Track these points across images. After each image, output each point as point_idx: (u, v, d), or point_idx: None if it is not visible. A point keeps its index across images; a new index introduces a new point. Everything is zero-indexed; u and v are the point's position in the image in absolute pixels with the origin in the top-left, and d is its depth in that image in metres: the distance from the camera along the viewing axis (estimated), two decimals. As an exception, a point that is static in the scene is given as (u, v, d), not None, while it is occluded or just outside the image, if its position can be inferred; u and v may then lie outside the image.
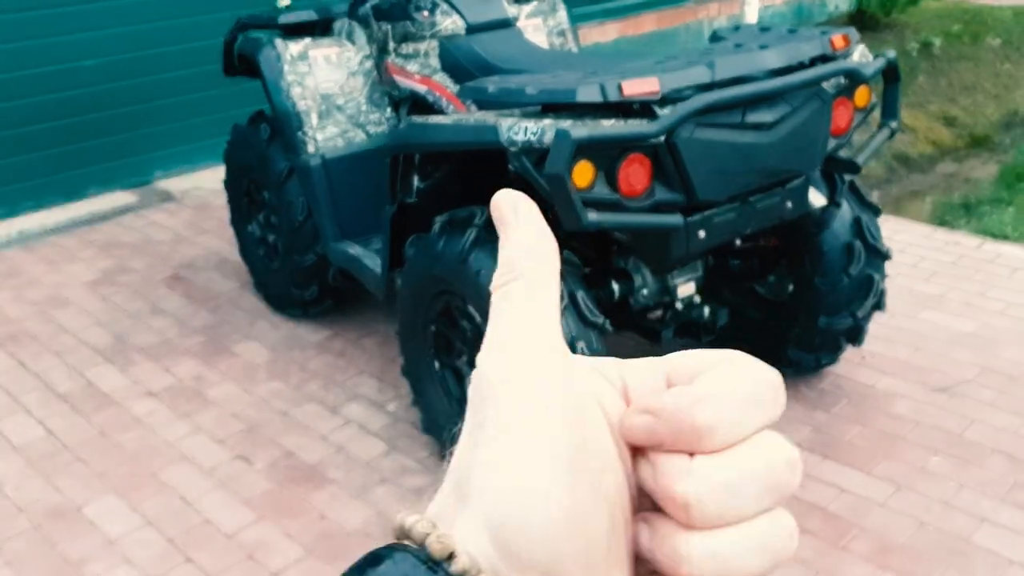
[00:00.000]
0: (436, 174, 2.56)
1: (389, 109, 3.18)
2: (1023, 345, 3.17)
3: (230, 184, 3.64)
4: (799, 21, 7.91)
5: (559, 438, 0.34)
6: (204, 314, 3.55)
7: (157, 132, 4.89)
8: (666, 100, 2.02)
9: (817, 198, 2.58)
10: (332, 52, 3.13)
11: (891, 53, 2.35)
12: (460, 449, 0.36)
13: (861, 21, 7.47)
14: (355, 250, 3.06)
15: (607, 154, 2.00)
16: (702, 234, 2.23)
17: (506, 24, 2.97)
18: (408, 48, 2.99)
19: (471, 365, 2.46)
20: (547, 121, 2.00)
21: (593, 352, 2.18)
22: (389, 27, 3.03)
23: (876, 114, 2.55)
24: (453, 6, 2.91)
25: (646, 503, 0.37)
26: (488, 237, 2.25)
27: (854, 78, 2.29)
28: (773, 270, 2.87)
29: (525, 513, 0.33)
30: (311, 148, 3.06)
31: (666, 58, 2.25)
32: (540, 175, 1.99)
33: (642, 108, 2.02)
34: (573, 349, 2.15)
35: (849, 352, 2.98)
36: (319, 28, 3.30)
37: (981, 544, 2.29)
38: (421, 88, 2.97)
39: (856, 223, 2.64)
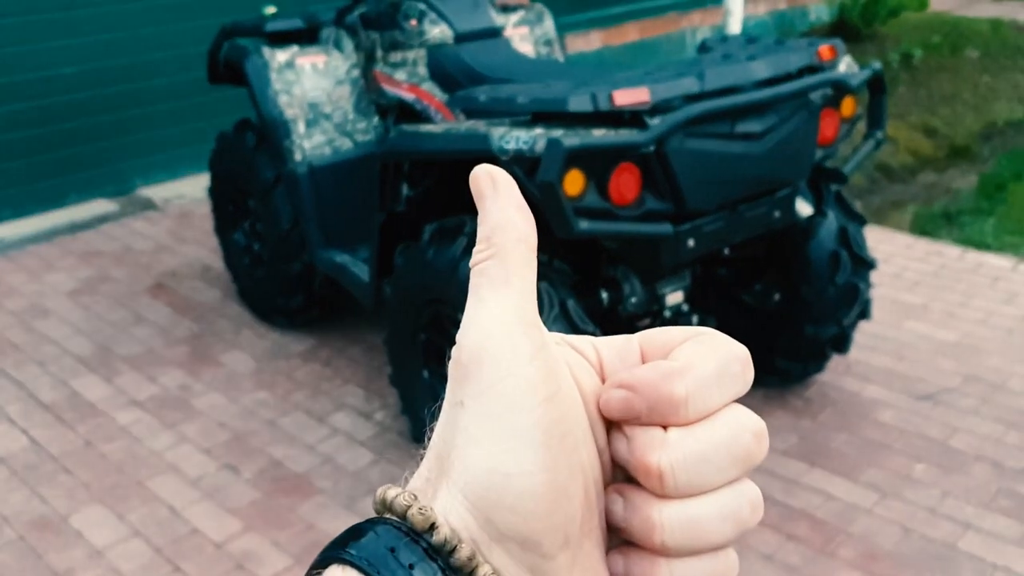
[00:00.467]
0: (425, 183, 2.56)
1: (376, 118, 3.18)
2: (1005, 354, 3.21)
3: (215, 192, 3.62)
4: (781, 31, 7.99)
5: (538, 414, 0.35)
6: (188, 323, 3.53)
7: (138, 140, 4.86)
8: (656, 110, 2.04)
9: (804, 208, 2.61)
10: (319, 60, 3.12)
11: (877, 64, 2.38)
12: (440, 425, 0.36)
13: (842, 32, 7.56)
14: (342, 259, 3.05)
15: (598, 163, 2.01)
16: (691, 243, 2.24)
17: (494, 33, 2.98)
18: (396, 56, 2.99)
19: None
20: (538, 130, 2.01)
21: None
22: (377, 35, 3.03)
23: (861, 125, 2.58)
24: (441, 15, 2.92)
25: (618, 475, 0.38)
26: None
27: (841, 89, 2.32)
28: (760, 279, 2.89)
29: (505, 487, 0.34)
30: (298, 156, 3.05)
31: (656, 68, 2.27)
32: (532, 183, 1.99)
33: (632, 118, 2.03)
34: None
35: (835, 360, 3.00)
36: (306, 36, 3.29)
37: (966, 550, 2.31)
38: (409, 96, 2.98)
39: (842, 233, 2.67)
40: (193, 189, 4.89)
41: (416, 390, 2.60)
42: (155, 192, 4.87)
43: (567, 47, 3.60)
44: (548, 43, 3.37)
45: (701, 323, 2.65)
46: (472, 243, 2.23)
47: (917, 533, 2.37)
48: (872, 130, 2.48)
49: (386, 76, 3.04)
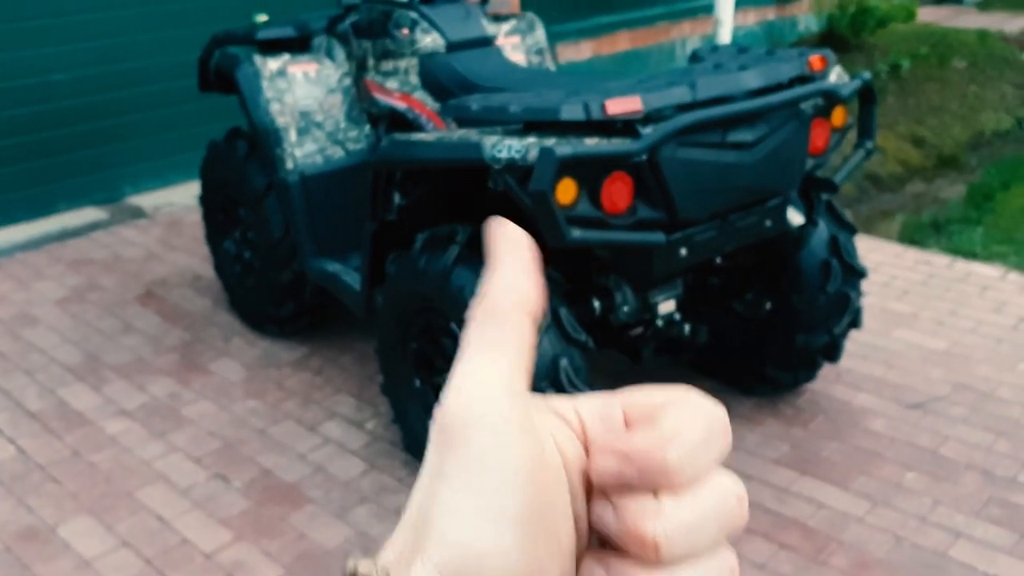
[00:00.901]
0: (417, 191, 2.55)
1: (368, 126, 3.17)
2: (995, 363, 3.23)
3: (206, 200, 3.61)
4: (770, 41, 8.03)
5: (523, 492, 0.34)
6: (178, 332, 3.51)
7: (128, 148, 4.85)
8: (648, 119, 2.04)
9: (795, 217, 2.61)
10: (311, 69, 3.12)
11: (867, 74, 2.40)
12: (419, 493, 0.35)
13: (831, 42, 7.60)
14: (334, 267, 3.04)
15: (590, 172, 2.01)
16: (683, 252, 2.24)
17: (486, 42, 2.99)
18: (388, 65, 2.99)
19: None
20: (531, 139, 2.01)
21: (576, 369, 2.18)
22: (369, 44, 3.04)
23: (850, 134, 2.59)
24: (433, 24, 2.92)
25: (593, 540, 0.37)
26: (470, 254, 2.25)
27: (831, 99, 2.33)
28: (751, 288, 2.89)
29: (481, 565, 0.33)
30: (289, 165, 3.05)
31: (648, 78, 2.28)
32: (524, 192, 1.99)
33: (625, 127, 2.04)
34: (556, 366, 2.15)
35: (825, 369, 3.01)
36: (297, 45, 3.29)
37: (956, 559, 2.31)
38: (401, 105, 2.98)
39: (833, 242, 2.68)
40: (183, 197, 4.87)
41: (407, 399, 2.59)
42: (145, 200, 4.85)
43: (558, 56, 3.61)
44: (539, 52, 3.38)
45: (693, 331, 2.66)
46: (463, 252, 2.24)
47: (908, 541, 2.37)
48: (862, 140, 2.49)
49: (378, 85, 3.04)
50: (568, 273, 2.42)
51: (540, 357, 2.14)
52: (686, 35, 7.36)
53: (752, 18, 7.86)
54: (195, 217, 4.51)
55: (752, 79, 2.18)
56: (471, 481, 0.34)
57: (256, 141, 3.11)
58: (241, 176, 3.23)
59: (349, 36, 3.12)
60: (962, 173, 6.83)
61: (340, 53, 3.16)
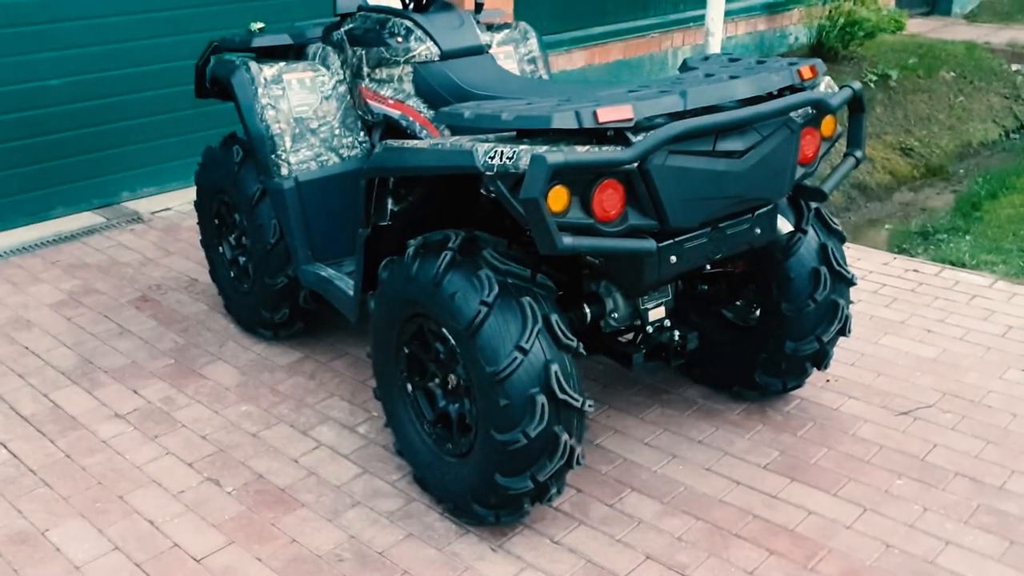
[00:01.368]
0: (410, 197, 2.57)
1: (362, 133, 3.20)
2: (983, 370, 3.26)
3: (200, 206, 3.62)
4: (761, 52, 8.09)
5: None
6: (172, 336, 3.52)
7: (125, 152, 4.86)
8: (639, 127, 2.06)
9: (784, 225, 2.64)
10: (306, 76, 3.14)
11: (857, 84, 2.42)
12: None
13: (820, 53, 7.66)
14: (327, 273, 3.06)
15: (582, 179, 2.03)
16: (674, 259, 2.27)
17: (479, 51, 3.01)
18: (382, 73, 3.01)
19: (444, 387, 2.47)
20: (523, 146, 2.03)
21: (567, 375, 2.20)
22: (363, 52, 3.06)
23: (840, 144, 2.62)
24: (427, 32, 2.94)
25: None
26: (462, 260, 2.27)
27: (821, 108, 2.36)
28: (740, 295, 2.92)
29: None
30: (284, 171, 3.07)
31: (639, 86, 2.30)
32: (515, 199, 2.01)
33: (616, 135, 2.06)
34: (547, 372, 2.17)
35: (814, 376, 3.03)
36: (293, 52, 3.31)
37: (945, 566, 2.33)
38: (395, 113, 3.00)
39: (822, 250, 2.70)
40: (179, 202, 4.89)
41: (400, 404, 2.60)
42: (141, 205, 4.87)
43: (551, 66, 3.63)
44: (533, 61, 3.41)
45: (683, 338, 2.68)
46: (456, 258, 2.26)
47: (897, 549, 2.39)
48: (851, 149, 2.52)
49: (372, 92, 3.06)
50: (559, 280, 2.44)
51: (532, 363, 2.15)
52: (678, 45, 7.41)
53: (742, 29, 7.91)
54: (191, 222, 4.53)
55: (743, 88, 2.20)
56: None
57: (251, 147, 3.13)
58: (236, 182, 3.25)
59: (344, 44, 3.14)
60: (949, 183, 6.88)
61: (335, 61, 3.18)
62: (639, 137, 2.04)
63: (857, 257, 4.23)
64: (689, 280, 2.83)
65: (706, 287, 2.90)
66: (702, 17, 6.91)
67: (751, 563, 2.34)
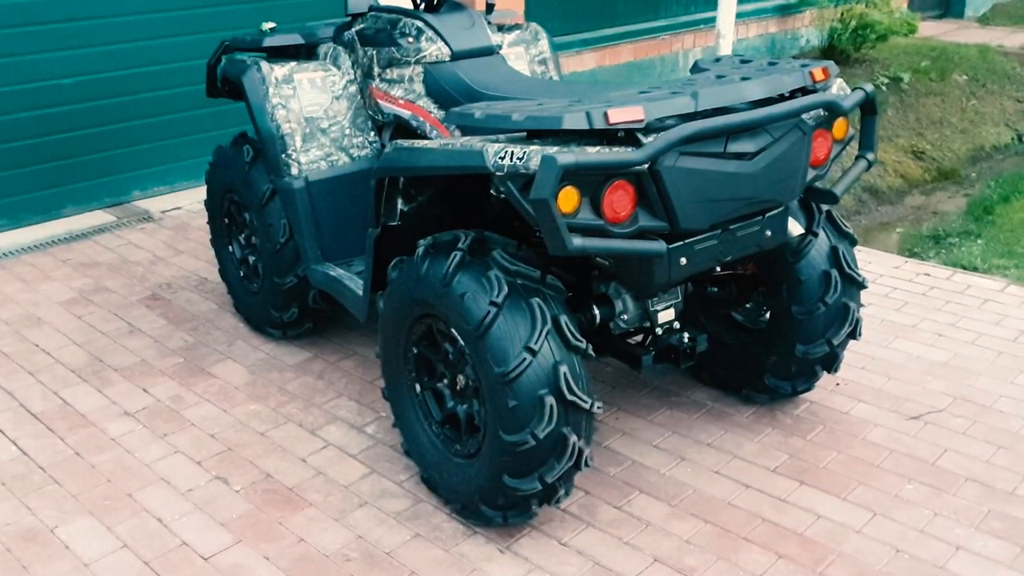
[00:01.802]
0: (420, 198, 2.57)
1: (373, 133, 3.20)
2: (994, 375, 3.24)
3: (211, 205, 3.63)
4: (772, 54, 8.06)
5: None
6: (182, 335, 3.53)
7: (136, 151, 4.88)
8: (650, 128, 2.06)
9: (795, 228, 2.63)
10: (317, 76, 3.15)
11: (869, 87, 2.41)
12: None
13: (832, 55, 7.64)
14: (337, 272, 3.06)
15: (592, 180, 2.02)
16: (684, 261, 2.26)
17: (490, 52, 3.01)
18: (393, 73, 3.02)
19: (452, 388, 2.47)
20: (533, 147, 2.02)
21: (576, 376, 2.19)
22: (374, 52, 3.06)
23: (851, 146, 2.61)
24: (438, 33, 2.95)
25: None
26: (471, 261, 2.26)
27: (833, 110, 2.34)
28: (751, 298, 2.91)
29: None
30: (294, 170, 3.07)
31: (650, 87, 2.29)
32: (526, 200, 2.01)
33: (627, 136, 2.05)
34: (556, 373, 2.16)
35: (824, 379, 3.02)
36: (304, 52, 3.32)
37: (955, 571, 2.32)
38: (405, 113, 3.00)
39: (833, 252, 2.69)
40: (190, 201, 4.90)
41: (409, 404, 2.60)
42: (152, 204, 4.89)
43: (561, 67, 3.63)
44: (543, 62, 3.40)
45: (692, 340, 2.67)
46: (465, 258, 2.25)
47: (907, 554, 2.38)
48: (863, 151, 2.51)
49: (383, 92, 3.06)
50: (569, 281, 2.44)
51: (541, 364, 2.15)
52: (688, 47, 7.40)
53: (754, 31, 7.89)
54: (201, 221, 4.55)
55: (754, 90, 2.19)
56: None
57: (261, 147, 3.14)
58: (246, 181, 3.26)
59: (355, 44, 3.15)
60: (961, 186, 6.85)
61: (346, 61, 3.19)
62: (650, 138, 2.03)
63: (868, 260, 4.21)
64: (699, 282, 2.82)
65: (716, 289, 2.89)
66: (713, 19, 6.90)
67: (760, 567, 2.33)
